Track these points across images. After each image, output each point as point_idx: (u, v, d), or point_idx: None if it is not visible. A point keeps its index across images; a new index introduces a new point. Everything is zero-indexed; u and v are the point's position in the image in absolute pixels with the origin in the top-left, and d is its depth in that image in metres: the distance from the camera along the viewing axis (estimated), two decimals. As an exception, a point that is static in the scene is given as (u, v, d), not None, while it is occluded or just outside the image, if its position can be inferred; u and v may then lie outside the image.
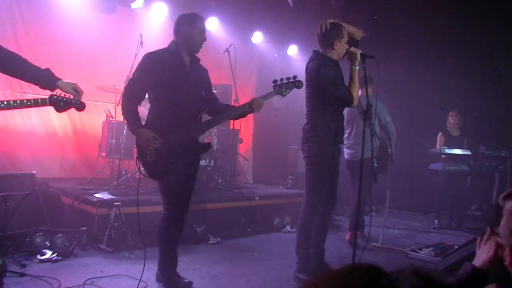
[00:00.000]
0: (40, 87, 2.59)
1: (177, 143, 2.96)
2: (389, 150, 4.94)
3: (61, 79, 2.59)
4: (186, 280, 3.19)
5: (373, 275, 0.59)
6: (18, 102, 2.42)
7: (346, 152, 4.97)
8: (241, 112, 3.17)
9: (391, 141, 4.95)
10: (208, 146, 3.32)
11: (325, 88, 3.30)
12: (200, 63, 3.23)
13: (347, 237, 4.92)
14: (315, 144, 3.38)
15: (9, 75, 2.56)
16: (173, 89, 2.98)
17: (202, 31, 3.09)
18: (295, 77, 3.25)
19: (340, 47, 3.38)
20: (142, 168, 3.04)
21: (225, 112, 3.18)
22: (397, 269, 0.62)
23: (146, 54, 3.05)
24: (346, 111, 5.01)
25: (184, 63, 3.08)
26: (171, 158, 2.95)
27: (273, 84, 3.27)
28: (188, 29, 3.03)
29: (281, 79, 3.25)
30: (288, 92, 3.27)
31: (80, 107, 2.63)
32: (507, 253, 1.30)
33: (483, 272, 1.37)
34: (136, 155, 3.03)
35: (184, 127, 2.99)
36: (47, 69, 2.59)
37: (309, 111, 3.47)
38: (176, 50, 3.07)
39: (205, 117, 3.22)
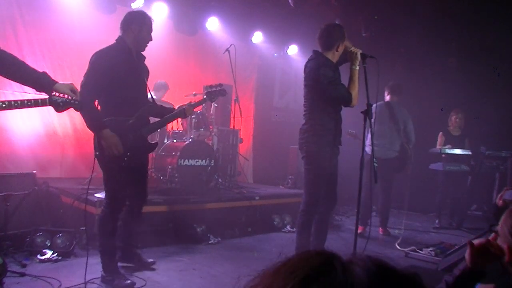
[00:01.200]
0: (36, 90, 2.60)
1: (131, 142, 3.07)
2: (409, 152, 5.32)
3: (58, 82, 2.60)
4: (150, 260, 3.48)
5: (325, 258, 0.60)
6: (19, 102, 2.44)
7: (369, 149, 5.06)
8: (177, 117, 3.61)
9: (409, 145, 5.38)
10: (155, 145, 3.45)
11: (324, 88, 3.31)
12: (144, 62, 3.34)
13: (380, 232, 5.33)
14: (313, 144, 3.38)
15: (5, 77, 2.56)
16: (126, 86, 3.05)
17: (150, 30, 3.18)
18: (221, 85, 3.73)
19: (342, 49, 3.41)
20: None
21: (168, 115, 3.38)
22: (351, 254, 0.63)
23: (97, 53, 3.05)
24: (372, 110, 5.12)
25: (134, 58, 3.17)
26: (125, 156, 3.03)
27: (206, 91, 3.69)
28: (138, 27, 3.11)
29: (211, 86, 3.72)
30: (216, 99, 3.76)
31: (79, 107, 2.65)
32: (506, 251, 1.31)
33: (473, 270, 1.39)
34: (97, 153, 3.04)
35: (136, 125, 3.12)
36: (44, 73, 2.60)
37: (307, 111, 3.47)
38: (126, 46, 3.13)
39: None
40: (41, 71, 2.60)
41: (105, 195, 3.20)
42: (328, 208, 3.58)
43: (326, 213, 3.58)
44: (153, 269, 3.48)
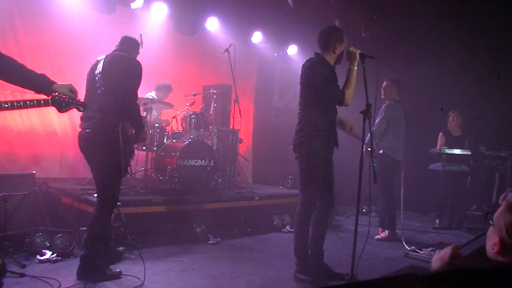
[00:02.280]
0: (35, 92, 2.59)
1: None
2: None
3: (56, 83, 2.60)
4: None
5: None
6: (21, 103, 2.43)
7: (392, 153, 5.11)
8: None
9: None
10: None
11: (317, 85, 3.33)
12: None
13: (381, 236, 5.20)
14: (305, 145, 3.40)
15: (5, 81, 2.55)
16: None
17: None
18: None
19: (339, 51, 3.44)
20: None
21: None
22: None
23: (135, 61, 3.36)
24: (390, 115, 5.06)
25: None
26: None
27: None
28: (133, 50, 3.55)
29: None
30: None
31: (81, 107, 2.66)
32: (497, 242, 1.34)
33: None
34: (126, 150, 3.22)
35: None
36: (43, 74, 2.60)
37: (301, 111, 3.50)
38: None
39: None
40: (39, 72, 2.60)
41: (105, 195, 3.22)
42: (326, 208, 3.58)
43: (324, 213, 3.58)
44: (128, 257, 3.69)
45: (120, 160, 3.09)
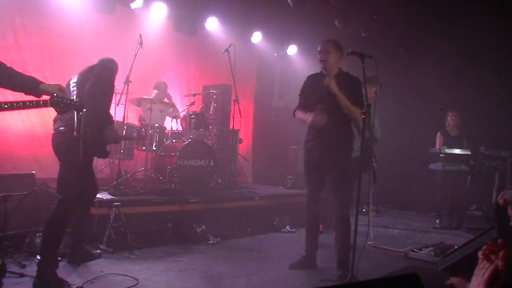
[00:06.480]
0: (24, 94, 2.59)
1: None
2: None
3: (43, 83, 2.59)
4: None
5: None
6: (21, 103, 2.44)
7: None
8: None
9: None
10: None
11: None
12: None
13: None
14: (304, 144, 3.81)
15: None
16: None
17: None
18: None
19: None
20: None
21: None
22: None
23: (112, 65, 3.63)
24: None
25: None
26: None
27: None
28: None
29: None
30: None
31: (80, 108, 2.65)
32: None
33: None
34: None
35: None
36: (30, 76, 2.60)
37: None
38: None
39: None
40: (27, 75, 2.60)
41: (66, 193, 3.11)
42: (338, 214, 3.66)
43: (338, 219, 3.66)
44: (101, 258, 3.65)
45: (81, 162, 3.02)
